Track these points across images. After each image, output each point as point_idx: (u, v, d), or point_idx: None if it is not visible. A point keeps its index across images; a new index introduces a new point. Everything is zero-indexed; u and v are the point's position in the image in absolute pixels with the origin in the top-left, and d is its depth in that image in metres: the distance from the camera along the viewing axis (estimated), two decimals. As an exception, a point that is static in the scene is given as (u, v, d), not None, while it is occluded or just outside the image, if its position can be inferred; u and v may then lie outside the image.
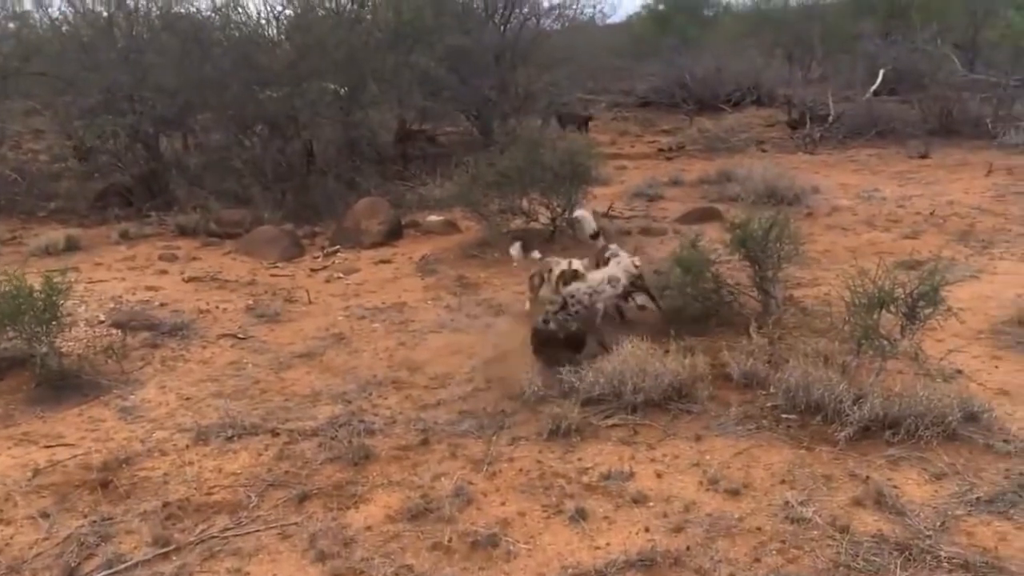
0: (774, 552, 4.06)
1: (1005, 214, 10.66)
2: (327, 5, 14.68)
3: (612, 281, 6.83)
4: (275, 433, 5.53)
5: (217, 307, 8.31)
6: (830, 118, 17.62)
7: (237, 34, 14.21)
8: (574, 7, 18.38)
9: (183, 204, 12.42)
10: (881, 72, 18.64)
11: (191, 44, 13.38)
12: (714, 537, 4.19)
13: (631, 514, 4.44)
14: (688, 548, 4.11)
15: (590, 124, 19.17)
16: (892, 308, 5.57)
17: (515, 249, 7.90)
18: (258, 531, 4.46)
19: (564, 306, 6.39)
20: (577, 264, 7.21)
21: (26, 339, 6.34)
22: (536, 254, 7.69)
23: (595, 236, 8.20)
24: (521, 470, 4.95)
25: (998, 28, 17.57)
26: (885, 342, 5.57)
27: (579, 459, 5.04)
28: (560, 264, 7.25)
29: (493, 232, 10.07)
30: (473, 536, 4.28)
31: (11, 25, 17.03)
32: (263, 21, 14.58)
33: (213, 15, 14.49)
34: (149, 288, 8.94)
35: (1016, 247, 9.17)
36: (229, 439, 5.47)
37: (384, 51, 13.41)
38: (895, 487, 4.54)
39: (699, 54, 23.51)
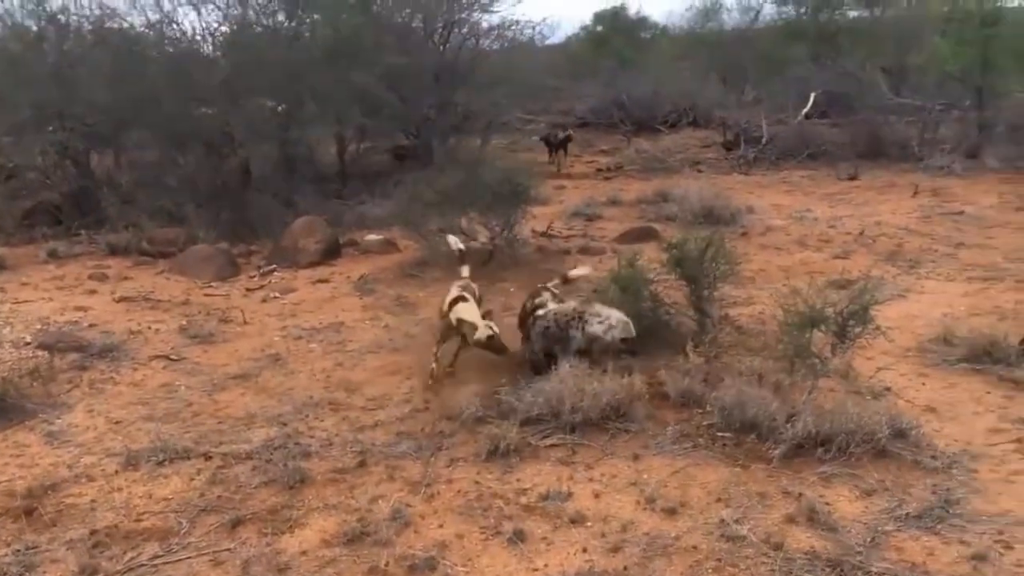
0: (710, 571, 4.10)
1: (931, 234, 10.96)
2: (264, 22, 14.54)
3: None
4: (208, 457, 5.43)
5: (149, 328, 8.14)
6: (763, 140, 17.94)
7: (172, 50, 14.00)
8: (514, 28, 18.47)
9: (114, 222, 12.13)
10: (812, 96, 19.07)
11: (124, 60, 13.15)
12: (651, 556, 4.21)
13: (569, 535, 4.44)
14: (625, 568, 4.12)
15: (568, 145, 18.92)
16: (823, 327, 5.69)
17: (453, 239, 7.97)
18: (189, 558, 4.36)
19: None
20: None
21: (-52, 362, 6.14)
22: (465, 270, 7.63)
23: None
24: (459, 492, 4.92)
25: (923, 54, 18.12)
26: (817, 361, 5.69)
27: (517, 480, 5.03)
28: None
29: (432, 251, 10.03)
30: (411, 560, 4.24)
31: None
32: (198, 37, 14.39)
33: (147, 31, 14.23)
34: (78, 308, 8.72)
35: (942, 267, 9.44)
36: (160, 464, 5.35)
37: (322, 69, 13.32)
38: (827, 504, 4.62)
39: (637, 76, 23.78)
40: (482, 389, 6.08)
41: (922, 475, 4.94)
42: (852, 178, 15.38)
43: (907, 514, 4.51)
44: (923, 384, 6.27)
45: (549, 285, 7.16)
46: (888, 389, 6.15)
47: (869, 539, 4.29)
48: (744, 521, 4.48)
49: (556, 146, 18.07)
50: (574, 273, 7.65)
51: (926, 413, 5.74)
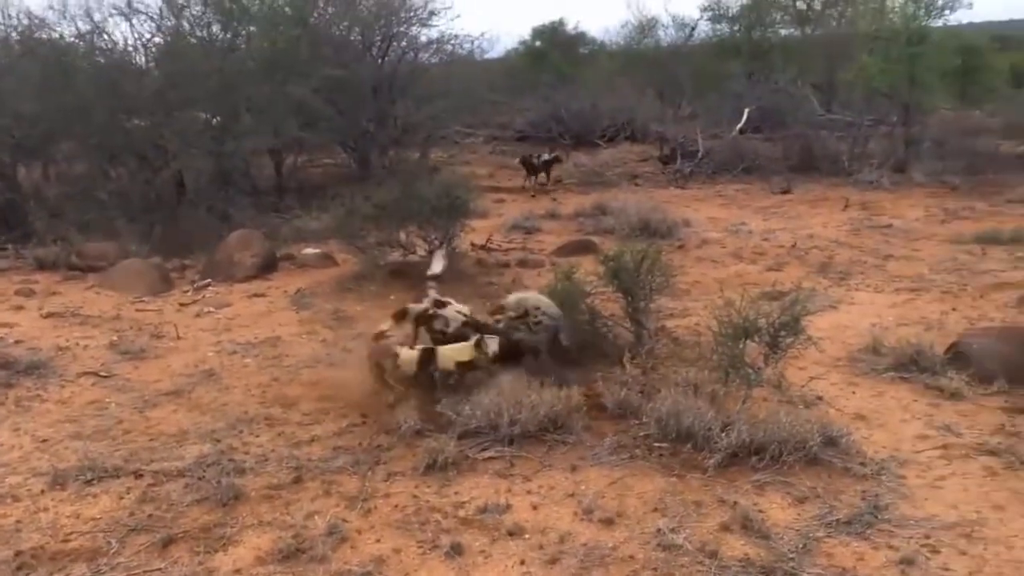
0: (646, 580, 4.12)
1: (861, 247, 11.23)
2: (199, 33, 14.36)
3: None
4: (138, 475, 5.30)
5: (78, 344, 7.94)
6: (699, 154, 18.22)
7: (103, 61, 13.74)
8: (453, 42, 18.53)
9: (42, 236, 11.85)
10: (746, 111, 19.43)
11: (53, 70, 12.87)
12: (589, 567, 4.22)
13: (507, 547, 4.43)
14: (563, 579, 4.13)
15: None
16: (756, 338, 5.79)
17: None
18: (123, 578, 4.25)
19: (525, 315, 6.50)
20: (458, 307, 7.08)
21: None
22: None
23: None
24: (397, 506, 4.88)
25: (852, 70, 18.58)
26: (750, 371, 5.77)
27: (456, 493, 5.02)
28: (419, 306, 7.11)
29: (369, 265, 9.98)
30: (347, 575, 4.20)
31: None
32: (130, 48, 14.15)
33: (77, 41, 13.97)
34: (3, 325, 8.48)
35: (871, 278, 9.67)
36: (88, 483, 5.21)
37: (258, 80, 13.20)
38: (761, 511, 4.68)
39: (575, 90, 23.99)
40: (419, 403, 6.05)
41: (852, 482, 5.03)
42: (785, 192, 15.70)
43: (837, 520, 4.59)
44: (853, 393, 6.40)
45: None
46: (819, 398, 6.26)
47: (801, 545, 4.36)
48: (680, 530, 4.52)
49: (537, 168, 17.17)
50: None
51: (856, 421, 5.87)
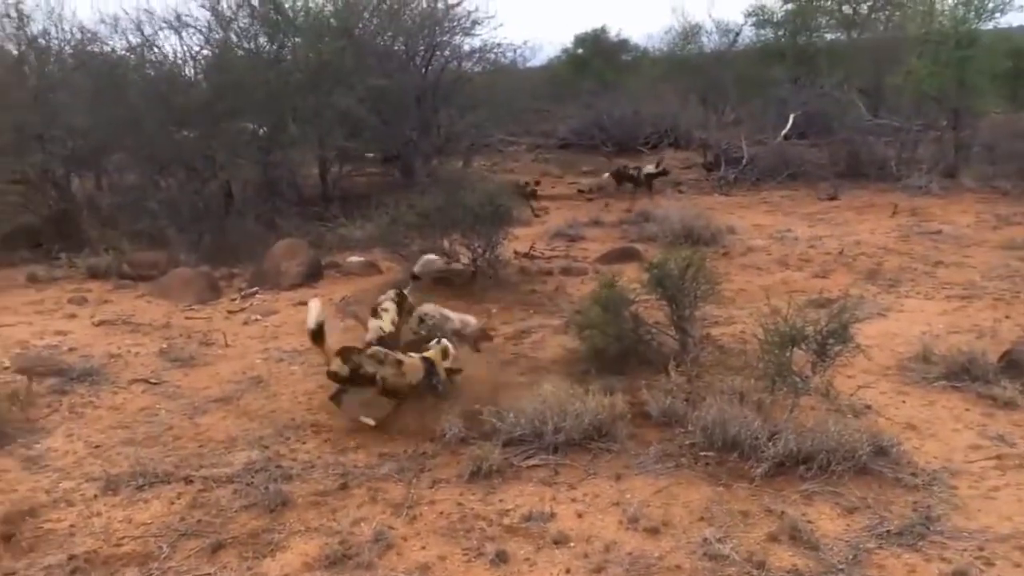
0: (693, 590, 4.10)
1: (910, 253, 11.05)
2: (246, 45, 14.58)
3: None
4: (188, 481, 5.39)
5: (129, 351, 8.09)
6: (744, 161, 18.07)
7: (153, 73, 14.00)
8: (495, 50, 18.58)
9: (95, 246, 12.09)
10: (791, 116, 19.23)
11: (105, 83, 13.15)
12: (634, 576, 4.20)
13: (552, 555, 4.43)
14: (609, 588, 4.12)
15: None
16: (804, 346, 5.72)
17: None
18: (168, 585, 4.32)
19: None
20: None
21: (-76, 387, 6.07)
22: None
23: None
24: (442, 513, 4.90)
25: (901, 74, 18.31)
26: (797, 379, 5.72)
27: (500, 500, 5.02)
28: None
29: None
30: (393, 582, 4.22)
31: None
32: (180, 61, 14.41)
33: (128, 54, 14.25)
34: (57, 332, 8.66)
35: (921, 285, 9.51)
36: (140, 488, 5.30)
37: (304, 91, 13.36)
38: (809, 522, 4.63)
39: (617, 97, 23.92)
40: (464, 410, 6.08)
41: (903, 492, 4.96)
42: (832, 198, 15.51)
43: (888, 531, 4.53)
44: (903, 402, 6.30)
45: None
46: (869, 407, 6.17)
47: (851, 557, 4.31)
48: (727, 540, 4.48)
49: (639, 181, 16.04)
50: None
51: (906, 431, 5.78)
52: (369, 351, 6.32)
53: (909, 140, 17.71)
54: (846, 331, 5.71)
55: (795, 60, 23.32)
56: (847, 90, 19.66)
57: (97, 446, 5.99)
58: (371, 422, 6.10)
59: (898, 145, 17.71)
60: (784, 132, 19.13)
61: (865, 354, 6.11)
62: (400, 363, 6.19)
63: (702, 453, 5.47)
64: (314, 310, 6.28)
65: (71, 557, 4.56)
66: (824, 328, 5.71)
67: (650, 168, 15.97)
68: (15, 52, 13.80)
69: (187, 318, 9.28)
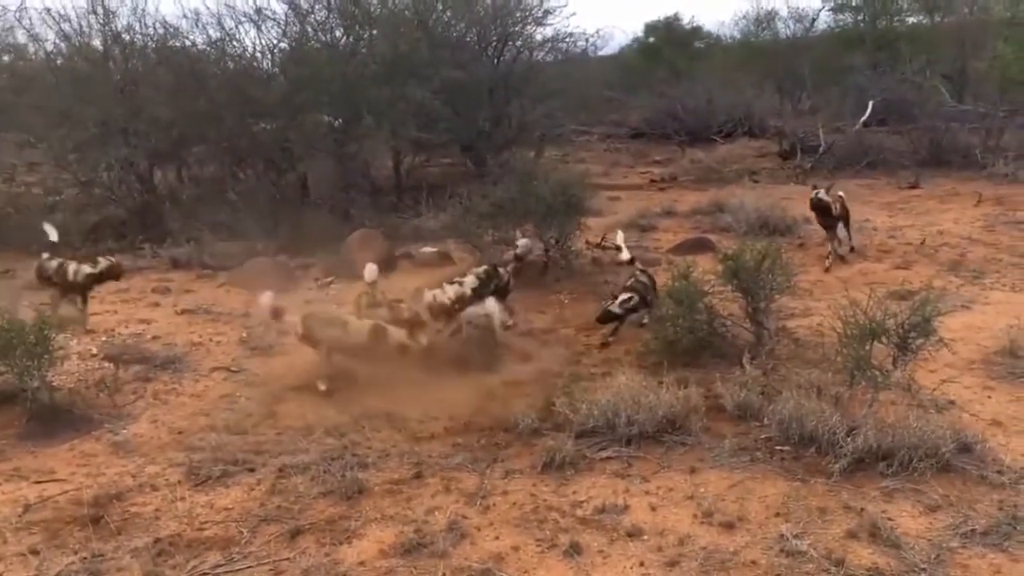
0: (769, 586, 4.05)
1: (995, 244, 10.71)
2: (322, 38, 14.77)
3: None
4: (267, 467, 5.50)
5: (210, 340, 8.29)
6: (821, 149, 17.72)
7: (232, 67, 14.28)
8: (567, 40, 18.52)
9: (177, 236, 12.40)
10: (871, 103, 18.75)
11: (186, 77, 13.45)
12: (709, 571, 4.18)
13: (626, 548, 4.42)
14: (683, 582, 4.09)
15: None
16: (884, 339, 5.61)
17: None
18: (250, 567, 4.43)
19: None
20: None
21: (17, 373, 6.30)
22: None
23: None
24: (515, 504, 4.93)
25: (986, 59, 17.71)
26: (877, 373, 5.60)
27: (573, 492, 5.03)
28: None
29: (487, 263, 10.07)
30: (467, 571, 4.27)
31: (5, 58, 17.08)
32: (258, 54, 14.67)
33: (208, 48, 14.54)
34: (142, 321, 8.92)
35: (1007, 277, 9.21)
36: (221, 474, 5.43)
37: (379, 83, 13.48)
38: (890, 519, 4.54)
39: (690, 86, 23.61)
40: (537, 401, 6.10)
41: (988, 491, 4.83)
42: (913, 187, 15.11)
43: (973, 530, 4.42)
44: (988, 397, 6.13)
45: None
46: (952, 402, 6.02)
47: (934, 556, 4.21)
48: (804, 536, 4.42)
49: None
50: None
51: (992, 427, 5.62)
52: (324, 315, 6.91)
53: (994, 127, 17.11)
54: (929, 324, 5.58)
55: (874, 45, 22.74)
56: (929, 76, 19.07)
57: (180, 432, 6.17)
58: (322, 387, 6.76)
59: (983, 132, 17.13)
60: (863, 119, 18.66)
61: (948, 348, 5.94)
62: (346, 324, 6.69)
63: (778, 447, 5.40)
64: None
65: (156, 540, 4.70)
66: (906, 321, 5.59)
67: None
68: (100, 47, 14.18)
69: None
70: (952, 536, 4.39)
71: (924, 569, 4.10)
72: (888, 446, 5.07)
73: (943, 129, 17.30)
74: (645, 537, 4.52)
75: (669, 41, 29.07)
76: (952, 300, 8.13)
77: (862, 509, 4.65)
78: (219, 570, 4.42)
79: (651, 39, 29.83)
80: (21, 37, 15.82)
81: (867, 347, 5.63)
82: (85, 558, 4.54)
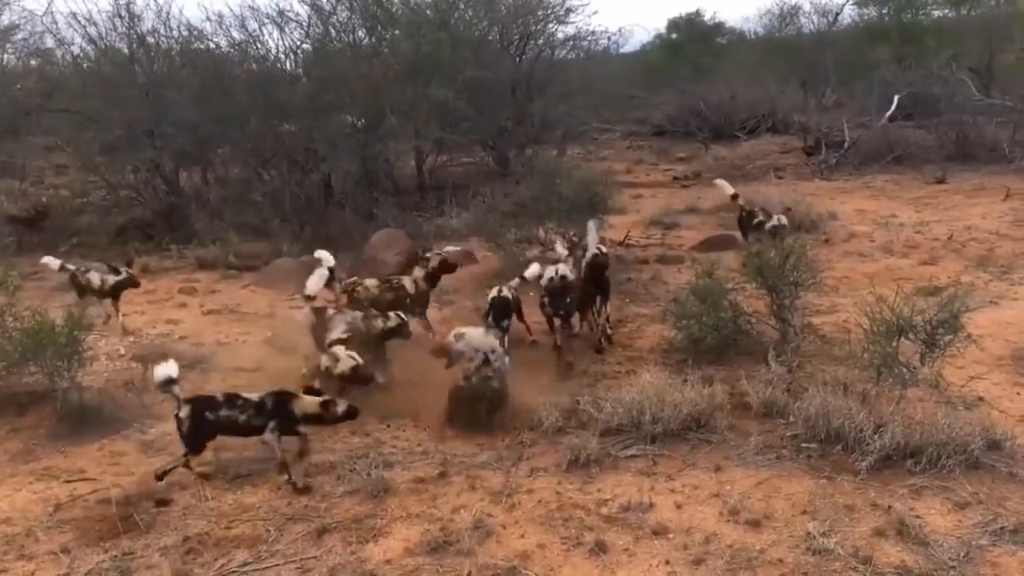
0: (796, 584, 4.03)
1: (1024, 239, 10.60)
2: (344, 39, 14.83)
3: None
4: (293, 466, 5.53)
5: (237, 340, 8.35)
6: (846, 144, 17.60)
7: (256, 68, 14.38)
8: (589, 38, 18.50)
9: (203, 237, 12.49)
10: (896, 98, 18.61)
11: (210, 79, 13.56)
12: (735, 569, 4.16)
13: (651, 546, 4.41)
14: (709, 581, 4.08)
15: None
16: (911, 335, 5.56)
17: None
18: (277, 565, 4.47)
19: (486, 362, 6.12)
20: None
21: (48, 374, 6.39)
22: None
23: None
24: (540, 502, 4.93)
25: (1013, 52, 17.49)
26: (905, 370, 5.55)
27: (598, 490, 5.03)
28: None
29: (510, 262, 10.08)
30: (493, 569, 4.28)
31: (33, 62, 17.30)
32: (281, 56, 14.75)
33: (232, 50, 14.66)
34: (169, 321, 9.00)
35: (1036, 272, 9.11)
36: (248, 473, 5.47)
37: (402, 83, 13.52)
38: (918, 517, 4.51)
39: (713, 82, 23.51)
40: (560, 399, 6.09)
41: (1018, 488, 4.78)
42: (939, 182, 14.97)
43: (1003, 528, 4.38)
44: (1018, 394, 6.07)
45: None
46: (981, 399, 5.96)
47: (963, 554, 4.17)
48: (831, 534, 4.39)
49: None
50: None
51: (1021, 423, 5.56)
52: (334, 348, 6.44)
53: (1022, 120, 16.92)
54: (957, 320, 5.53)
55: (900, 39, 22.56)
56: (955, 69, 18.87)
57: (208, 431, 6.20)
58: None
59: (1011, 126, 16.95)
60: (888, 114, 18.52)
61: (977, 344, 5.88)
62: (336, 358, 6.31)
63: (804, 445, 5.37)
64: None
65: (185, 539, 4.74)
66: (933, 317, 5.54)
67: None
68: (126, 51, 14.32)
69: (290, 307, 9.51)
70: (981, 534, 4.35)
71: (953, 567, 4.06)
72: (916, 443, 5.03)
73: (970, 123, 17.14)
74: (671, 535, 4.51)
75: (691, 37, 28.99)
76: (980, 296, 8.02)
77: (890, 507, 4.61)
78: (247, 568, 4.45)
79: (673, 36, 29.73)
80: (49, 41, 16.01)
81: (894, 343, 5.59)
82: (115, 556, 4.59)
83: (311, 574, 4.36)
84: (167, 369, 5.26)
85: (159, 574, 4.42)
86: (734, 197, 10.33)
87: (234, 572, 4.42)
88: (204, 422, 5.27)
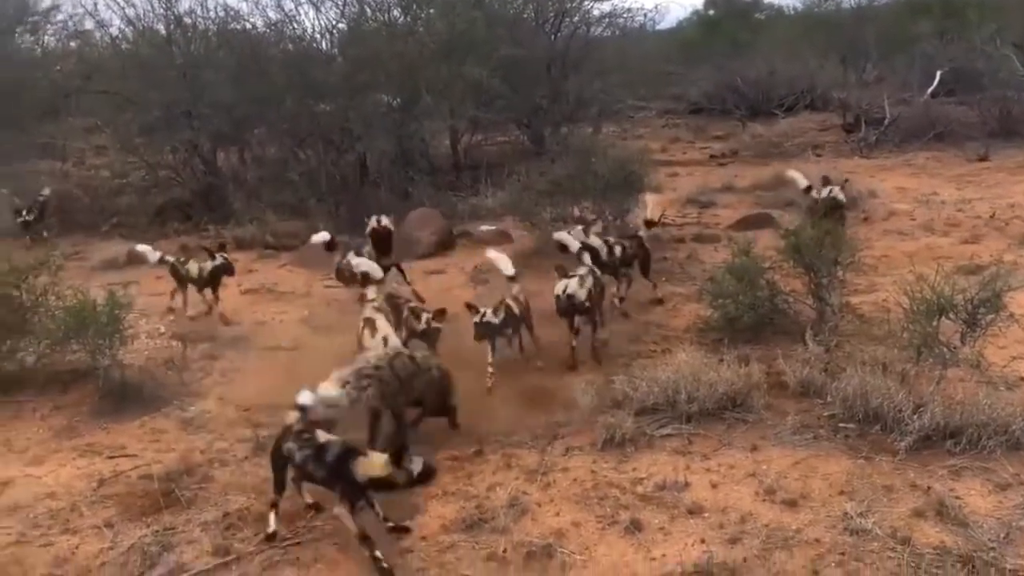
0: (833, 564, 4.01)
1: (1070, 217, 10.39)
2: (380, 18, 14.83)
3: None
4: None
5: (274, 319, 8.43)
6: (886, 121, 17.32)
7: (292, 48, 14.43)
8: (625, 15, 18.33)
9: (240, 217, 12.62)
10: (938, 73, 18.28)
11: (247, 60, 13.64)
12: (771, 549, 4.15)
13: (687, 525, 4.41)
14: (745, 560, 4.08)
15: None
16: (952, 315, 5.48)
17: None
18: (315, 540, 4.52)
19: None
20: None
21: (90, 352, 6.51)
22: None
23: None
24: (575, 480, 4.95)
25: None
26: (945, 349, 5.48)
27: (633, 469, 5.03)
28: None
29: (546, 241, 10.06)
30: (528, 547, 4.30)
31: (72, 44, 17.52)
32: (317, 35, 14.80)
33: (268, 31, 14.73)
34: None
35: (1082, 250, 8.93)
36: (287, 449, 5.53)
37: (437, 62, 13.51)
38: (957, 498, 4.46)
39: (751, 59, 23.18)
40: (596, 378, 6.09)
41: (1060, 469, 4.71)
42: (982, 159, 14.70)
43: (1045, 510, 4.32)
44: (1062, 374, 5.96)
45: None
46: (1023, 379, 5.87)
47: (1003, 535, 4.13)
48: (869, 514, 4.36)
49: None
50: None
51: (1065, 405, 5.46)
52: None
53: (1068, 97, 16.56)
54: (999, 299, 5.43)
55: (942, 13, 22.11)
56: (999, 44, 18.47)
57: (247, 409, 6.29)
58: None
59: (1057, 101, 16.58)
60: (930, 90, 18.20)
61: (1019, 324, 5.78)
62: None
63: (842, 425, 5.33)
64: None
65: (225, 514, 4.83)
66: (975, 296, 5.45)
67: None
68: (163, 32, 14.45)
69: (326, 287, 9.58)
70: (1022, 515, 4.29)
71: (993, 548, 4.02)
72: (956, 424, 4.97)
73: (1014, 99, 16.78)
74: (706, 514, 4.50)
75: (729, 13, 28.61)
76: (1023, 275, 7.89)
77: (929, 487, 4.57)
78: (286, 543, 4.51)
79: (710, 12, 29.37)
80: (87, 23, 16.19)
81: (934, 323, 5.51)
82: (157, 531, 4.68)
83: (349, 550, 4.41)
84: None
85: (200, 549, 4.50)
86: (807, 190, 9.85)
87: (274, 547, 4.48)
88: None
